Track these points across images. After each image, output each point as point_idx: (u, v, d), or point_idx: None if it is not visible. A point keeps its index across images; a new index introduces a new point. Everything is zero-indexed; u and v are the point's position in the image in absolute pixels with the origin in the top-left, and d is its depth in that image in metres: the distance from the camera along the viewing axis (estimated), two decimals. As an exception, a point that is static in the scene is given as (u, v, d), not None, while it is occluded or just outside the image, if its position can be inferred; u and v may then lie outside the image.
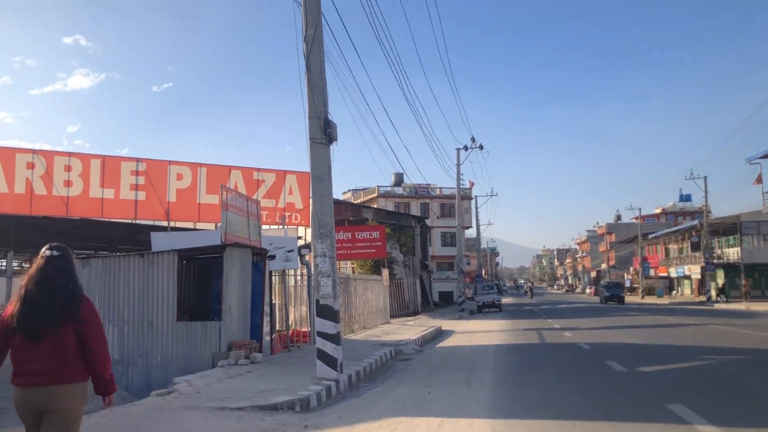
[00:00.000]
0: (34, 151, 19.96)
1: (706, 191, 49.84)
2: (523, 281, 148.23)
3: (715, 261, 50.88)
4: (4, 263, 20.94)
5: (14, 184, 19.25)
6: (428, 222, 57.13)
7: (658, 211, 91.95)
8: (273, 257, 15.26)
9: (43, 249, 4.06)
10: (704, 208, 50.86)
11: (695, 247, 53.37)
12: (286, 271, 16.81)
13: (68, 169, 20.02)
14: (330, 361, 10.48)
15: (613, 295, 50.36)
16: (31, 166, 19.47)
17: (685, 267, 60.78)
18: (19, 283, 4.03)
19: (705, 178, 49.96)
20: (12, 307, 3.90)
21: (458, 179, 42.02)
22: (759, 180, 38.03)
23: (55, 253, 4.05)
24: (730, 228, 52.38)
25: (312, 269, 13.41)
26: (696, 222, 55.18)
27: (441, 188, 67.64)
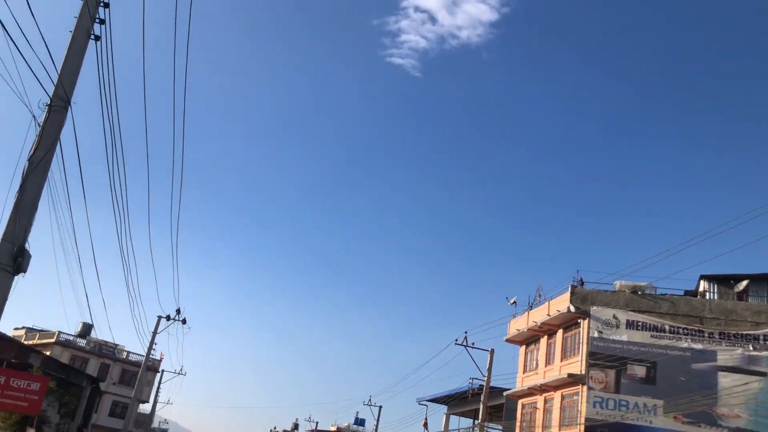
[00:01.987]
0: None
1: (378, 419, 52.92)
2: None
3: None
4: None
5: None
6: (103, 386, 51.84)
7: (333, 429, 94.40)
8: None
9: None
10: (374, 435, 53.46)
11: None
12: None
13: None
14: None
15: None
16: None
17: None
18: None
19: (380, 407, 53.35)
20: None
21: (150, 348, 39.61)
22: (425, 424, 41.53)
23: None
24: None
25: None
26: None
27: (129, 352, 62.84)
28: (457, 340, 31.49)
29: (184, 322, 40.33)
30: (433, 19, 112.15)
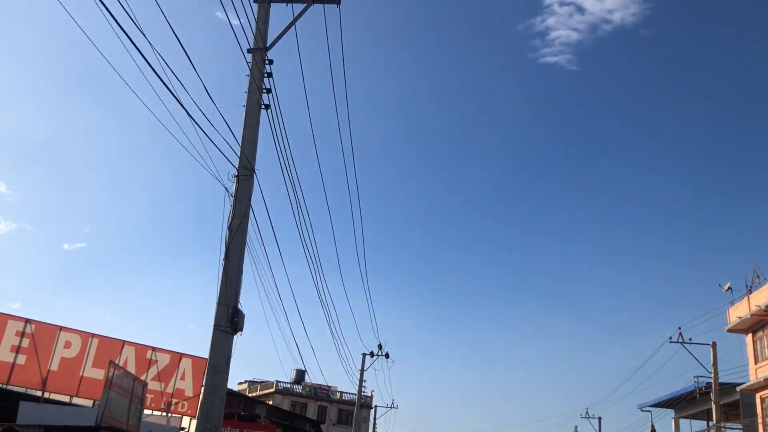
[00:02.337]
0: None
1: (599, 431, 50.43)
2: None
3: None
4: None
5: None
6: (324, 427, 54.69)
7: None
8: (150, 447, 14.10)
9: None
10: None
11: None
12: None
13: (-54, 319, 18.56)
14: None
15: None
16: None
17: None
18: None
19: (599, 419, 50.86)
20: None
21: (360, 385, 41.15)
22: (652, 429, 38.99)
23: None
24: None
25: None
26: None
27: (341, 392, 65.76)
28: (671, 337, 29.34)
29: (387, 356, 41.47)
30: (580, 9, 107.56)
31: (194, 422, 19.43)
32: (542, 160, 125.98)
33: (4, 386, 18.51)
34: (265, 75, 11.33)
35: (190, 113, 9.52)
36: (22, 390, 18.52)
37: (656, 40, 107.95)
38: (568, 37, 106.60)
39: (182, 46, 8.68)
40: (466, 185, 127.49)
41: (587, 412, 51.13)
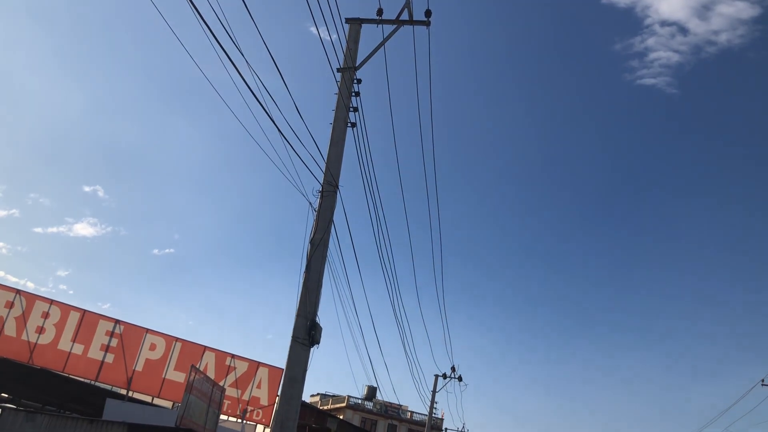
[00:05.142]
0: (17, 291, 19.81)
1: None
2: None
3: None
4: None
5: (-14, 319, 18.87)
6: (392, 446, 54.43)
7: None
8: (224, 452, 14.46)
9: None
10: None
11: None
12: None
13: (45, 315, 19.72)
14: None
15: None
16: (9, 305, 19.22)
17: None
18: None
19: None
20: None
21: (431, 406, 40.82)
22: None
23: None
24: None
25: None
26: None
27: (412, 412, 65.37)
28: (763, 380, 27.67)
29: (460, 379, 41.05)
30: (683, 30, 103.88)
31: (267, 431, 19.80)
32: (636, 183, 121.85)
33: (93, 383, 19.46)
34: (353, 94, 11.56)
35: (280, 129, 9.83)
36: (108, 387, 19.40)
37: (765, 64, 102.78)
38: (669, 59, 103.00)
39: (278, 68, 8.98)
40: (555, 208, 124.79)
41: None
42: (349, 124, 11.62)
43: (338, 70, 11.47)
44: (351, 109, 11.76)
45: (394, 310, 18.75)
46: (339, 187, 11.77)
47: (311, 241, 11.49)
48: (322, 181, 11.60)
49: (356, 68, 11.57)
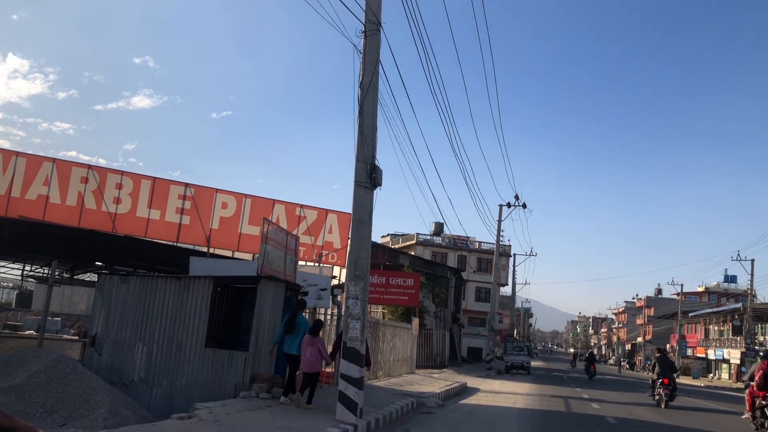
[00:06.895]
0: (89, 167, 20.64)
1: (752, 274, 48.62)
2: (573, 349, 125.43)
3: (756, 347, 49.15)
4: (47, 271, 21.48)
5: (67, 196, 19.89)
6: (464, 275, 56.74)
7: (700, 289, 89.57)
8: (306, 294, 15.37)
9: None
10: (749, 291, 49.47)
11: (737, 330, 51.68)
12: (317, 309, 16.86)
13: (119, 187, 20.62)
14: (351, 405, 10.43)
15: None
16: (84, 180, 20.12)
17: (725, 350, 58.75)
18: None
19: (752, 261, 48.78)
20: None
21: (498, 235, 41.83)
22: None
23: None
24: (775, 315, 50.71)
25: (343, 310, 13.45)
26: (740, 305, 53.58)
27: (480, 242, 67.27)
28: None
29: (524, 206, 41.52)
30: None
31: (344, 271, 20.83)
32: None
33: (175, 243, 20.64)
34: None
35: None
36: (190, 247, 20.57)
37: None
38: None
39: None
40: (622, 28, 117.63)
41: (738, 254, 49.07)
42: (385, -46, 10.98)
43: None
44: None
45: (450, 143, 18.67)
46: (381, 24, 11.36)
47: (360, 85, 11.33)
48: (364, 21, 11.20)
49: None
